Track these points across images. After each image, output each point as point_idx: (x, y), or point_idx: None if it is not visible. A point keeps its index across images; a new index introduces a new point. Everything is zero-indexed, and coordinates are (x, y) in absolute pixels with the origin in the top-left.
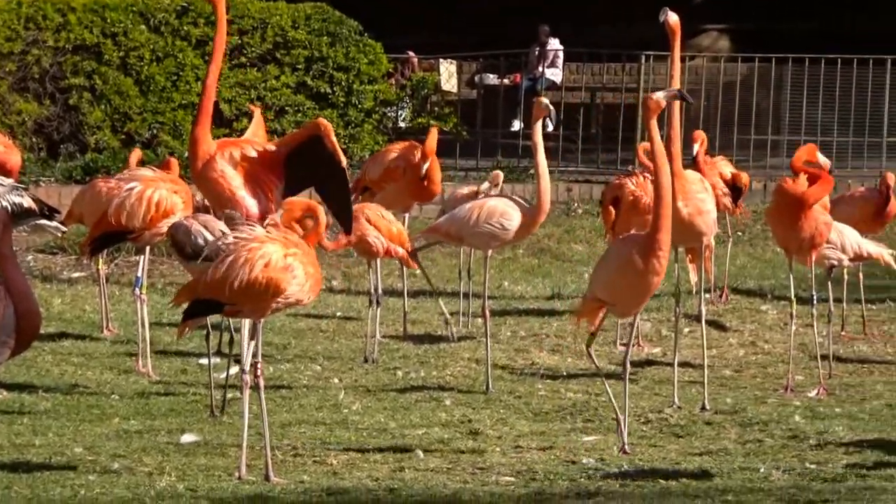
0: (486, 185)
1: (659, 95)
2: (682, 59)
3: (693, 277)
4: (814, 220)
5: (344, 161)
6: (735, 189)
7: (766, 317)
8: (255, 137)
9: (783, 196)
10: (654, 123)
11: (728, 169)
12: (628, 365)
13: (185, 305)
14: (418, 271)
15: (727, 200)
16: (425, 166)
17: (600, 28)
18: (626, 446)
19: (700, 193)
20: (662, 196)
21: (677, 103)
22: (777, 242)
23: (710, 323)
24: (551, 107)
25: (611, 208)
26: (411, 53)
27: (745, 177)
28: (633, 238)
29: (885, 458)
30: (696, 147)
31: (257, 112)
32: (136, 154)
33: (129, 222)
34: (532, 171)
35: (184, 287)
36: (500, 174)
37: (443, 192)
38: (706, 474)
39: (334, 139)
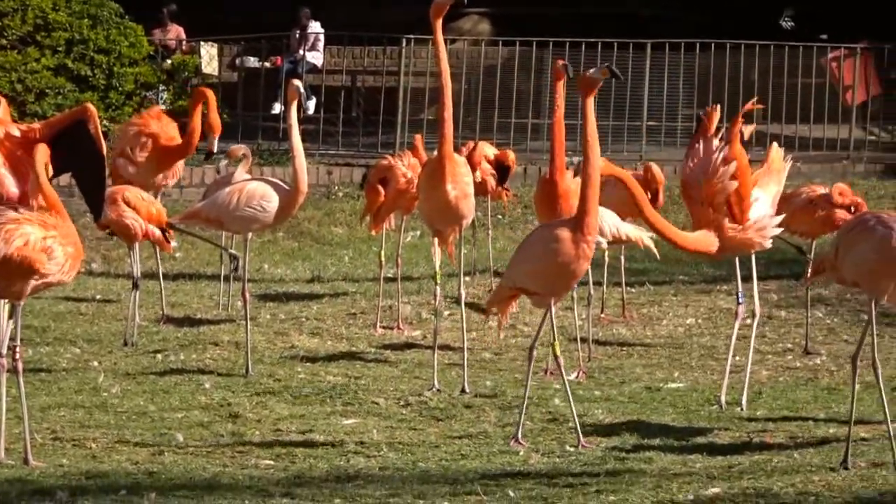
0: (223, 162)
1: (592, 73)
2: (444, 42)
3: (437, 260)
4: (569, 205)
5: (105, 148)
6: (501, 169)
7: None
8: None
9: (542, 185)
10: (589, 102)
11: (491, 150)
12: (534, 355)
13: None
14: (178, 254)
15: (492, 181)
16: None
17: (360, 11)
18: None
19: (467, 177)
20: (591, 178)
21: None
22: None
23: (470, 306)
24: (302, 90)
25: (379, 188)
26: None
27: (510, 154)
28: (558, 224)
29: (644, 441)
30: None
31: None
32: None
33: None
34: None
35: None
36: (241, 148)
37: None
38: (465, 457)
39: (99, 125)
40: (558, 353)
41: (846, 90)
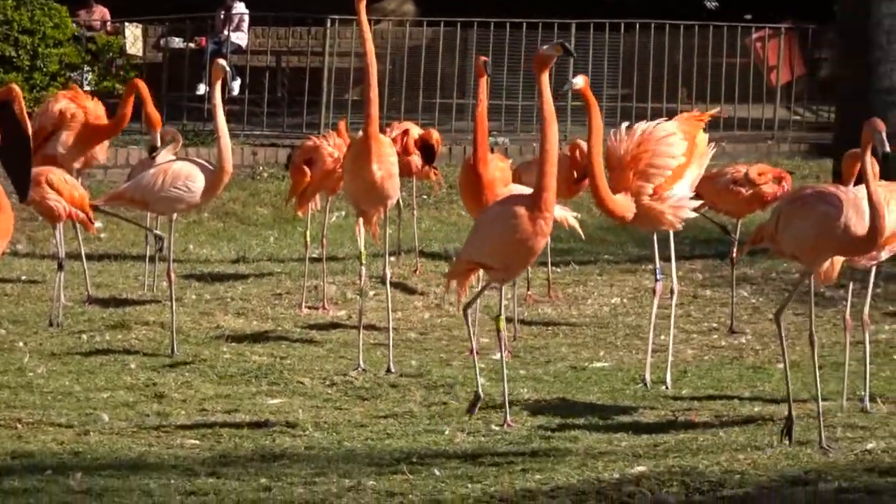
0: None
1: (545, 49)
2: (368, 23)
3: (362, 240)
4: (494, 193)
5: (30, 130)
6: (426, 148)
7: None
8: None
9: (465, 172)
10: (544, 78)
11: (416, 130)
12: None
13: None
14: (103, 235)
15: (418, 161)
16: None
17: None
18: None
19: (392, 157)
20: (548, 153)
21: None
22: (468, 211)
23: (395, 285)
24: (228, 68)
25: (305, 168)
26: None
27: (434, 133)
28: (515, 199)
29: (569, 420)
30: None
31: None
32: None
33: None
34: None
35: None
36: (169, 131)
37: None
38: (391, 436)
39: (24, 106)
40: (502, 328)
41: (770, 70)
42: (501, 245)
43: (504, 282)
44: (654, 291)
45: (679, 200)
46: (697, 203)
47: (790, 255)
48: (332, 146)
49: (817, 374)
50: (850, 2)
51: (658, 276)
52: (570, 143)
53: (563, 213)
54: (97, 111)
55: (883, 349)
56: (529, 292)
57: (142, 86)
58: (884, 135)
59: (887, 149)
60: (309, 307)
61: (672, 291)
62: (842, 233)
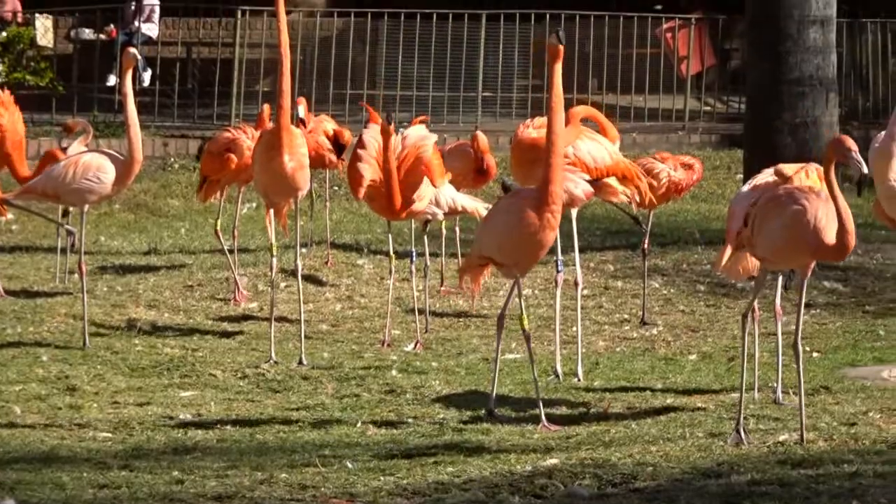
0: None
1: (552, 40)
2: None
3: (273, 232)
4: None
5: None
6: (337, 145)
7: (363, 271)
8: None
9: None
10: (557, 68)
11: (331, 126)
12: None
13: None
14: (14, 227)
15: (332, 156)
16: None
17: None
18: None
19: (303, 148)
20: (555, 146)
21: None
22: None
23: (306, 278)
24: (139, 56)
25: (230, 156)
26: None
27: (346, 133)
28: (523, 193)
29: (481, 413)
30: (300, 109)
31: None
32: None
33: None
34: None
35: None
36: (79, 122)
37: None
38: (303, 429)
39: None
40: (526, 326)
41: (681, 61)
42: (509, 240)
43: (513, 277)
44: (555, 282)
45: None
46: (590, 191)
47: (764, 258)
48: (250, 138)
49: (752, 368)
50: None
51: (559, 269)
52: (472, 135)
53: (473, 204)
54: (15, 127)
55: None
56: (443, 286)
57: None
58: (858, 155)
59: (866, 170)
60: (220, 299)
61: (577, 283)
62: (812, 233)
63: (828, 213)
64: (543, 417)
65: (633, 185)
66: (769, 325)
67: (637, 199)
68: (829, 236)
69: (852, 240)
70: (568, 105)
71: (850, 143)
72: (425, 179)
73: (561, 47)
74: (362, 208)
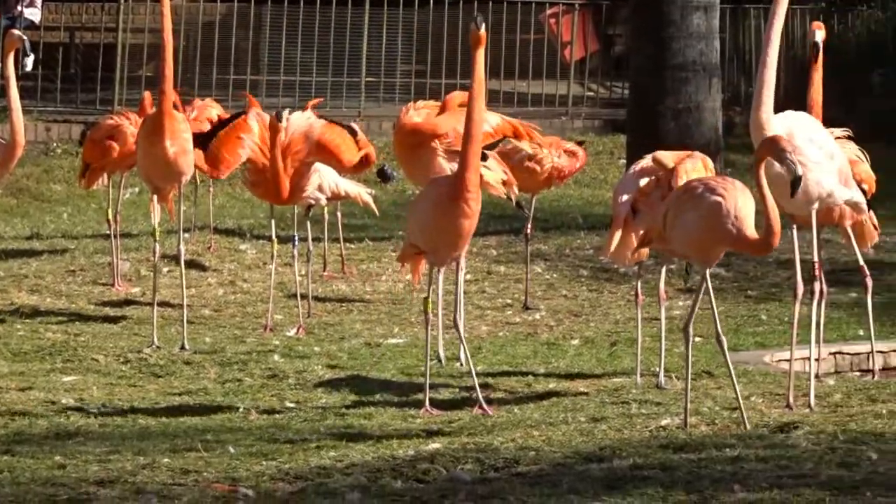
0: None
1: (473, 27)
2: None
3: (156, 217)
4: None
5: None
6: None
7: (246, 256)
8: None
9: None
10: (479, 55)
11: (215, 111)
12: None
13: None
14: None
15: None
16: None
17: None
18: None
19: (185, 133)
20: (473, 134)
21: None
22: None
23: (189, 263)
24: (25, 37)
25: (112, 144)
26: None
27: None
28: (441, 180)
29: (363, 398)
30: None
31: None
32: None
33: None
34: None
35: None
36: None
37: None
38: (185, 413)
39: None
40: (429, 310)
41: (564, 46)
42: (426, 227)
43: (439, 265)
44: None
45: None
46: None
47: (682, 253)
48: (133, 124)
49: (689, 364)
50: None
51: None
52: (358, 120)
53: (356, 189)
54: None
55: (677, 325)
56: (326, 271)
57: None
58: (793, 156)
59: (800, 173)
60: (102, 284)
61: (459, 267)
62: (730, 222)
63: (746, 203)
64: (427, 402)
65: (511, 172)
66: (651, 310)
67: (515, 191)
68: (750, 227)
69: (776, 240)
70: (451, 91)
71: (785, 144)
72: (315, 165)
73: (482, 33)
74: (245, 193)
